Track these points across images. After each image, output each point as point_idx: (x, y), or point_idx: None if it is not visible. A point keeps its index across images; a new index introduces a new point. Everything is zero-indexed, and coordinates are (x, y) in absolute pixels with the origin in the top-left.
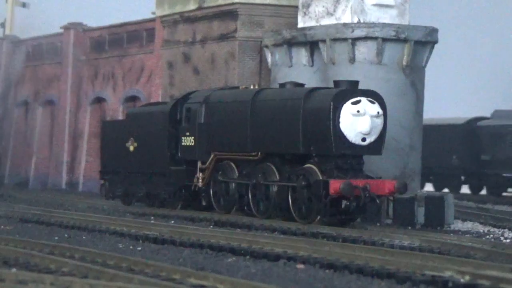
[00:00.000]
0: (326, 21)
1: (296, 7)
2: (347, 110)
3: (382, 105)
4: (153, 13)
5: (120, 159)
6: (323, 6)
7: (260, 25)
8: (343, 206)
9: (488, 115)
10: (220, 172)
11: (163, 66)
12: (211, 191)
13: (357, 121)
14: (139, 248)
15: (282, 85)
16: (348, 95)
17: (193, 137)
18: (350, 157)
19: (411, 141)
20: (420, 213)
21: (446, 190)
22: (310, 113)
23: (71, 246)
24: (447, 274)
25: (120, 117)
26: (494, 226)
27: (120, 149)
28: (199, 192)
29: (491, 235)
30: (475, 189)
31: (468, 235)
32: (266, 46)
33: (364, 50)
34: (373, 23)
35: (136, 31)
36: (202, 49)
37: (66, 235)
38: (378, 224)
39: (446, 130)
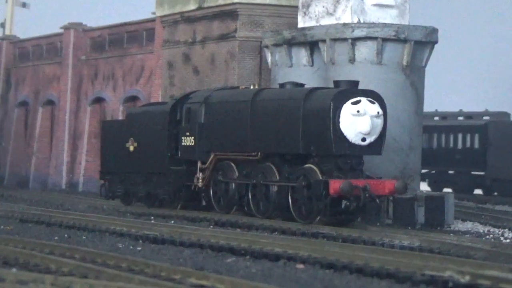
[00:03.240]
0: (326, 21)
1: (296, 7)
2: (347, 110)
3: (382, 105)
4: (153, 13)
5: (120, 159)
6: (323, 6)
7: (260, 25)
8: (343, 206)
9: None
10: (220, 172)
11: (163, 66)
12: (211, 191)
13: (357, 121)
14: (139, 248)
15: (282, 85)
16: (348, 95)
17: (193, 137)
18: (350, 157)
19: (411, 141)
20: (420, 213)
21: None
22: (310, 113)
23: (71, 246)
24: (447, 274)
25: (120, 117)
26: (494, 226)
27: (120, 149)
28: (199, 192)
29: (491, 235)
30: None
31: (468, 235)
32: (266, 46)
33: (364, 50)
34: (373, 23)
35: (136, 31)
36: (202, 49)
37: (66, 235)
38: (378, 224)
39: None
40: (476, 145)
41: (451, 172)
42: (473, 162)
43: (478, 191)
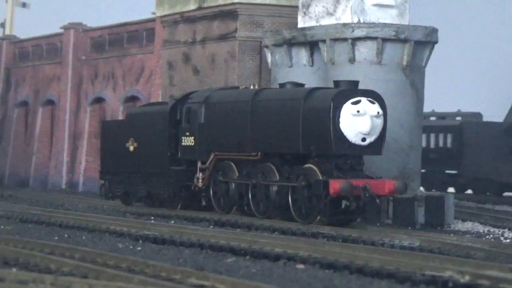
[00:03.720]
0: (326, 21)
1: (296, 7)
2: (347, 110)
3: (382, 105)
4: (153, 13)
5: (120, 159)
6: (323, 6)
7: (260, 25)
8: (343, 206)
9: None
10: (220, 172)
11: (163, 66)
12: (211, 191)
13: (357, 121)
14: (139, 248)
15: (282, 85)
16: (348, 95)
17: (193, 137)
18: (350, 157)
19: (411, 141)
20: (420, 213)
21: None
22: (310, 113)
23: (71, 246)
24: (447, 274)
25: (120, 117)
26: (494, 226)
27: (120, 149)
28: (199, 192)
29: (491, 235)
30: None
31: (468, 235)
32: (266, 46)
33: (364, 50)
34: (373, 23)
35: (136, 31)
36: (202, 49)
37: (66, 235)
38: (378, 224)
39: None
40: (449, 145)
41: (423, 170)
42: (447, 161)
43: (451, 189)
